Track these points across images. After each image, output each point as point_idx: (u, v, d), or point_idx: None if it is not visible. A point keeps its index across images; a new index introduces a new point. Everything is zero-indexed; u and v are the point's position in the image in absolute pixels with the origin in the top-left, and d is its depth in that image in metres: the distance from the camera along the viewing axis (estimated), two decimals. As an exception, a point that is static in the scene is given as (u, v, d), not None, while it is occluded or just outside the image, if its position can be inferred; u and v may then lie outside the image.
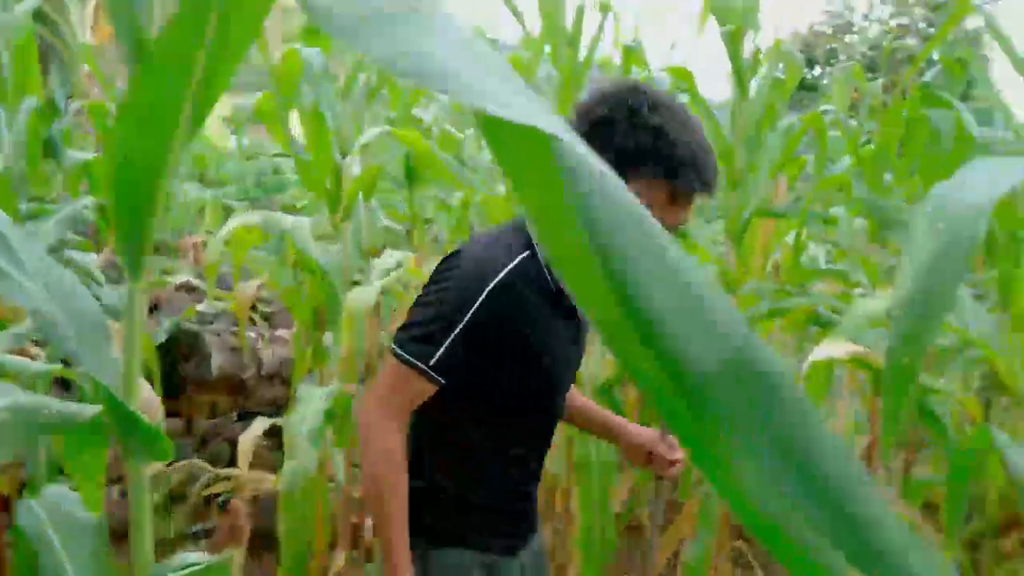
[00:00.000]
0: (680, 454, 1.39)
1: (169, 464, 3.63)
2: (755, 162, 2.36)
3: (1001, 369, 1.50)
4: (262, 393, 3.98)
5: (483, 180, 3.04)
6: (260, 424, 2.38)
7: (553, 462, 2.43)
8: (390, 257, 2.67)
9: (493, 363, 1.21)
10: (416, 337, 1.18)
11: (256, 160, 7.12)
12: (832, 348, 1.40)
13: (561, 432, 1.79)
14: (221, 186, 6.34)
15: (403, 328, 1.21)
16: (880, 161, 2.15)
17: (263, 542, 3.21)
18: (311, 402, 1.98)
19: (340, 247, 2.49)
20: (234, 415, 3.96)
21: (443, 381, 1.18)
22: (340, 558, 2.47)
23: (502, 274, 1.18)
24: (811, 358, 1.39)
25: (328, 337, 2.56)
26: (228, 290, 3.40)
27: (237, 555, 1.21)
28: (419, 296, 1.25)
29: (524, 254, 1.20)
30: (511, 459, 1.31)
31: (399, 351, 1.17)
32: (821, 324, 1.91)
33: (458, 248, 1.25)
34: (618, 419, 1.53)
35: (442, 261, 1.25)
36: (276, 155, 7.19)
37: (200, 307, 3.33)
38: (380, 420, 1.19)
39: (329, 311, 2.50)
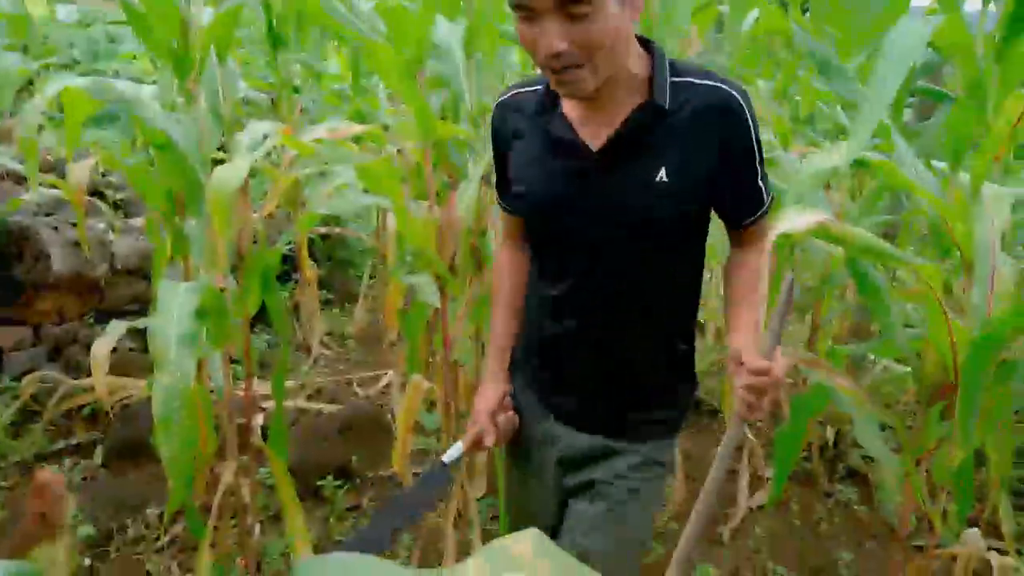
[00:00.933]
0: (766, 376, 1.09)
1: (19, 377, 3.22)
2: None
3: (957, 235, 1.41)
4: (120, 291, 3.54)
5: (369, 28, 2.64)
6: (116, 328, 2.04)
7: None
8: (256, 129, 2.29)
9: (503, 185, 1.36)
10: None
11: (91, 28, 6.25)
12: (798, 219, 1.24)
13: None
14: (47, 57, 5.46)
15: None
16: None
17: (140, 452, 2.93)
18: (175, 300, 1.66)
19: (194, 117, 2.10)
20: (91, 318, 3.52)
21: (504, 205, 1.42)
22: (230, 467, 2.23)
23: (499, 99, 1.32)
24: (775, 231, 1.23)
25: (190, 225, 2.20)
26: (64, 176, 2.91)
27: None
28: None
29: (528, 88, 1.29)
30: (540, 299, 1.35)
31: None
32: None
33: None
34: (741, 314, 1.28)
35: None
36: (112, 23, 6.37)
37: (27, 197, 2.82)
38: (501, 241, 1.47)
39: (188, 194, 2.13)
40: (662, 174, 1.17)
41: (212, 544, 2.25)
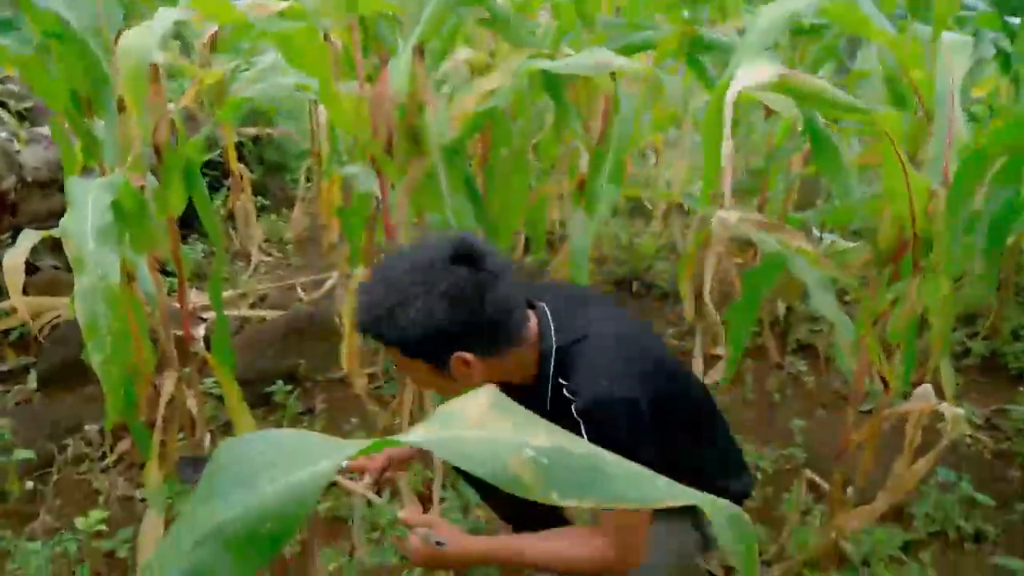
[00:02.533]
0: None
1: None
2: None
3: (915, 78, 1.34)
4: (34, 206, 3.30)
5: None
6: (28, 237, 1.87)
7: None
8: (165, 16, 2.05)
9: None
10: None
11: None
12: (754, 73, 1.14)
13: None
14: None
15: None
16: None
17: (75, 374, 2.79)
18: (88, 196, 1.51)
19: (90, -5, 1.86)
20: (8, 239, 3.28)
21: None
22: (171, 378, 2.13)
23: None
24: (735, 87, 1.13)
25: (100, 126, 2.01)
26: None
27: None
28: None
29: None
30: None
31: None
32: (708, 48, 1.66)
33: None
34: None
35: None
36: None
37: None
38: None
39: (92, 89, 1.93)
40: None
41: (161, 458, 2.18)
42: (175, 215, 2.03)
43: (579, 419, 1.20)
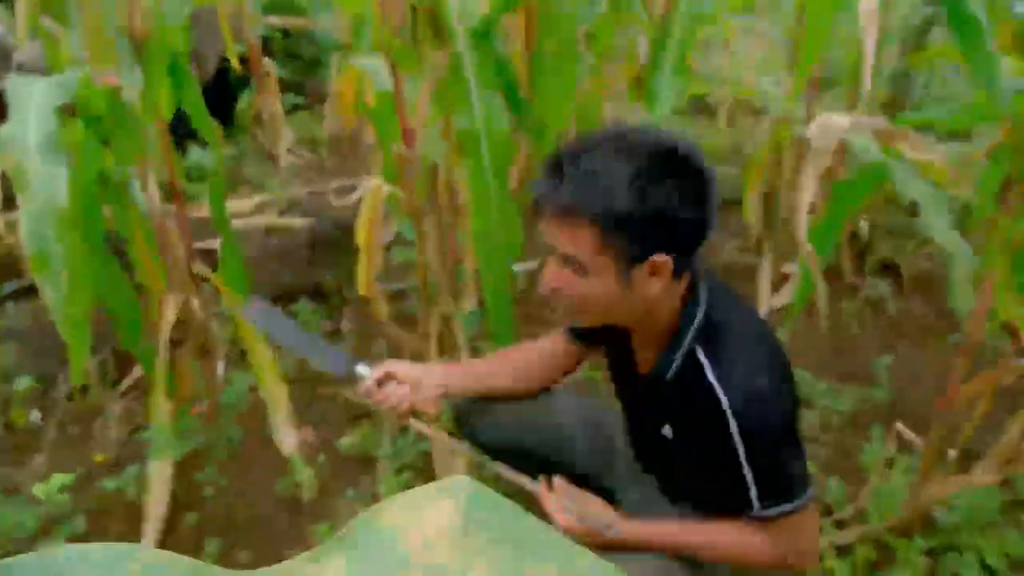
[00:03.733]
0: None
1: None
2: None
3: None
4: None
5: None
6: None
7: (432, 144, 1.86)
8: None
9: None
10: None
11: None
12: None
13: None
14: None
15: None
16: None
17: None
18: (30, 100, 1.25)
19: None
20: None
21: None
22: (173, 302, 1.92)
23: None
24: None
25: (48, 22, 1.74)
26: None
27: None
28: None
29: None
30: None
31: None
32: None
33: None
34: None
35: None
36: None
37: None
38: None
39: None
40: (667, 429, 1.21)
41: (170, 389, 2.01)
42: (167, 117, 1.76)
43: (730, 415, 1.06)
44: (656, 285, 1.06)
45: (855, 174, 1.74)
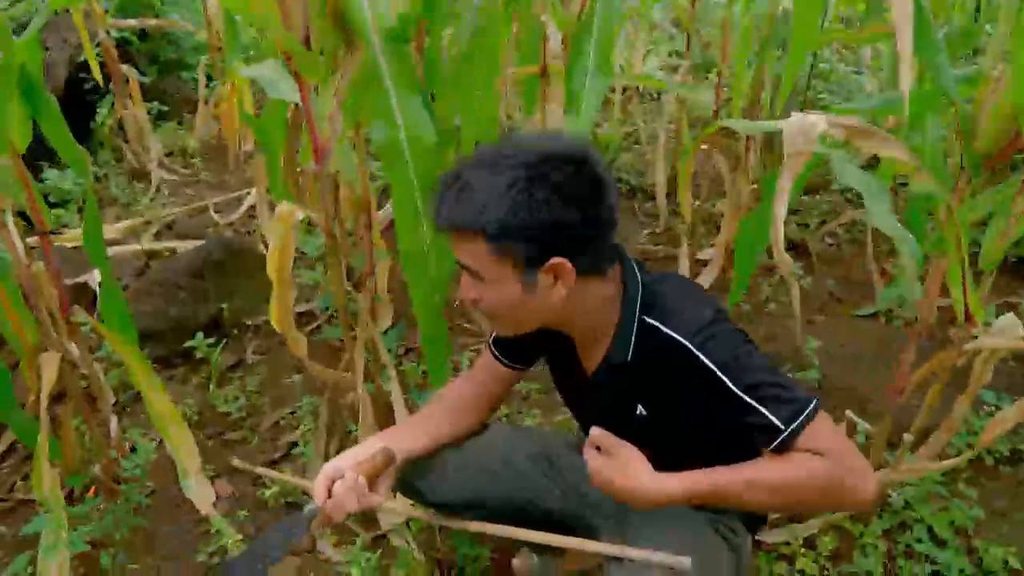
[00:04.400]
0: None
1: None
2: None
3: None
4: None
5: None
6: None
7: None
8: None
9: (502, 343, 1.38)
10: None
11: None
12: None
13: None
14: None
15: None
16: None
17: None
18: None
19: None
20: None
21: (497, 355, 1.37)
22: (51, 359, 1.66)
23: None
24: None
25: None
26: None
27: None
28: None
29: None
30: None
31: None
32: None
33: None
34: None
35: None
36: None
37: None
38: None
39: None
40: (640, 409, 1.19)
41: (58, 455, 1.74)
42: (21, 147, 1.50)
43: (696, 352, 1.07)
44: (561, 289, 1.08)
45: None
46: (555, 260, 1.04)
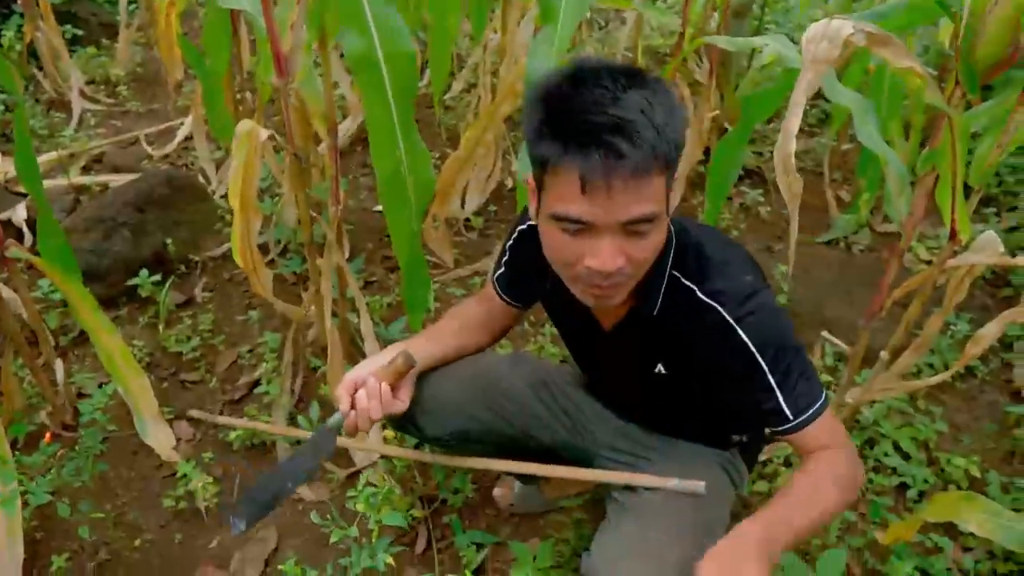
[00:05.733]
0: None
1: None
2: None
3: None
4: None
5: None
6: None
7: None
8: None
9: (505, 282, 1.33)
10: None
11: None
12: None
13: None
14: None
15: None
16: None
17: None
18: None
19: None
20: None
21: (501, 293, 1.34)
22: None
23: (525, 226, 1.22)
24: None
25: None
26: None
27: None
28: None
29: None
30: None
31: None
32: None
33: None
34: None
35: None
36: None
37: None
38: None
39: None
40: (660, 367, 1.15)
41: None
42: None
43: (735, 325, 1.02)
44: (673, 206, 1.00)
45: (776, 84, 1.69)
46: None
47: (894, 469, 1.72)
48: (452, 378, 1.27)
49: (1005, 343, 2.09)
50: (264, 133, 1.39)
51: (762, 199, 2.73)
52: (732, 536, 0.93)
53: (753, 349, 1.02)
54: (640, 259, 0.94)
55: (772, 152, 2.99)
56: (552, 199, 0.90)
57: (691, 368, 1.12)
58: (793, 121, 1.06)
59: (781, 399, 1.04)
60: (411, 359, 1.16)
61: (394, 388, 1.16)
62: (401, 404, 1.17)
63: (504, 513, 1.62)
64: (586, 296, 1.00)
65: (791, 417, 1.04)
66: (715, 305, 1.04)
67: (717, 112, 2.62)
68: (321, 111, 1.71)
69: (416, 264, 1.56)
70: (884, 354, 1.57)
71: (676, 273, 1.07)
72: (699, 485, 1.10)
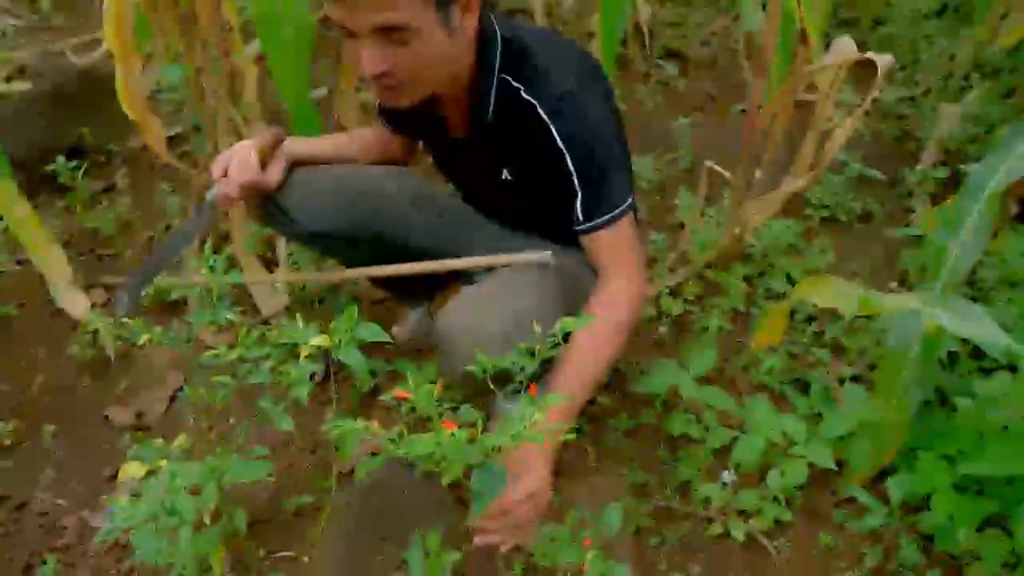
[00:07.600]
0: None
1: None
2: None
3: None
4: None
5: None
6: None
7: None
8: None
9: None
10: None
11: None
12: None
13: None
14: None
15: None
16: None
17: None
18: None
19: None
20: None
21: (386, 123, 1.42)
22: None
23: None
24: None
25: None
26: None
27: None
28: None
29: None
30: None
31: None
32: None
33: None
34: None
35: None
36: None
37: None
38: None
39: None
40: (505, 173, 1.22)
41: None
42: None
43: (549, 120, 1.08)
44: (472, 20, 1.05)
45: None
46: None
47: (785, 295, 1.79)
48: (328, 173, 1.29)
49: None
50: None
51: (679, 74, 2.76)
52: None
53: (561, 145, 1.09)
54: (406, 66, 1.01)
55: (691, 33, 3.02)
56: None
57: (528, 171, 1.19)
58: None
59: (578, 199, 1.12)
60: (280, 133, 1.23)
61: (265, 164, 1.20)
62: (271, 176, 1.21)
63: (403, 348, 1.69)
64: (376, 96, 1.11)
65: (580, 219, 1.13)
66: (532, 101, 1.09)
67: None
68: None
69: (302, 99, 1.59)
70: (758, 172, 1.63)
71: (507, 77, 1.11)
72: (545, 255, 1.17)
